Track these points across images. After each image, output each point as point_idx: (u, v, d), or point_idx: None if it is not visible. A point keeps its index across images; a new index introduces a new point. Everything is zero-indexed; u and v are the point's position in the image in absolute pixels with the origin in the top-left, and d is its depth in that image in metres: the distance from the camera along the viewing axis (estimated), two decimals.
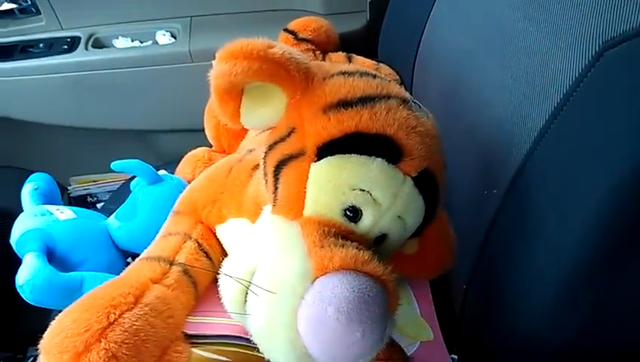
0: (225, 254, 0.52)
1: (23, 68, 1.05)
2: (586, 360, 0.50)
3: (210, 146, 0.85)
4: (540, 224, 0.45)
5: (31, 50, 1.07)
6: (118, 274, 0.46)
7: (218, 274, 0.43)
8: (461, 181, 0.57)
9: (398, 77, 0.88)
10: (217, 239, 0.53)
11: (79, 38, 1.08)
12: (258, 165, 0.48)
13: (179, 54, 1.04)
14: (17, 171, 1.19)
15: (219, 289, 0.42)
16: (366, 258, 0.36)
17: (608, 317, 0.46)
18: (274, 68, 0.39)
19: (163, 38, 1.08)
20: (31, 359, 0.64)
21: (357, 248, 0.37)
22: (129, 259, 0.66)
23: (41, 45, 1.07)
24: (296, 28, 0.90)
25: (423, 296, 0.57)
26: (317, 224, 0.39)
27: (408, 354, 0.50)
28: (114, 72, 1.05)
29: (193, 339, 0.44)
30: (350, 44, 0.98)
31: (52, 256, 0.58)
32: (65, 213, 0.64)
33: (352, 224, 0.40)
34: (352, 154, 0.38)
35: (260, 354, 0.39)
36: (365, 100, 0.40)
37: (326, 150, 0.39)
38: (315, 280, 0.35)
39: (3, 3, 1.09)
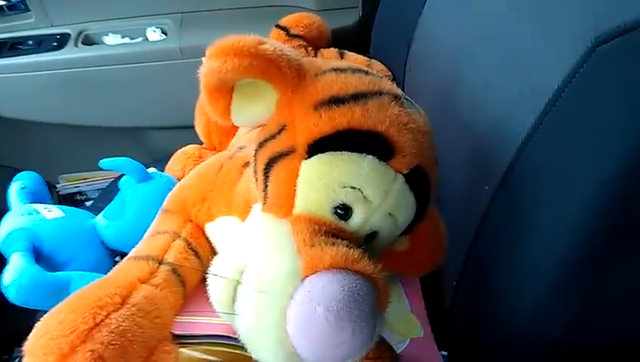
0: (214, 253, 0.52)
1: (12, 65, 1.03)
2: (575, 355, 0.50)
3: (201, 143, 0.84)
4: (530, 220, 0.45)
5: (20, 47, 1.05)
6: (106, 274, 0.46)
7: (207, 273, 0.42)
8: (452, 177, 0.57)
9: (390, 73, 0.88)
10: (207, 238, 0.53)
11: (69, 34, 1.07)
12: (249, 163, 0.47)
13: (169, 51, 1.04)
14: (6, 170, 1.18)
15: (207, 288, 0.42)
16: (356, 256, 0.35)
17: (597, 314, 0.46)
18: (265, 65, 0.39)
19: (153, 34, 1.08)
20: (17, 360, 0.63)
21: (347, 246, 0.36)
22: (117, 258, 0.66)
23: (30, 42, 1.06)
24: (289, 24, 0.90)
25: (413, 293, 0.56)
26: (307, 222, 0.39)
27: (398, 351, 0.50)
28: (104, 69, 1.04)
29: (181, 339, 0.44)
30: (342, 40, 0.97)
31: (39, 256, 0.57)
32: (53, 211, 0.63)
33: (343, 222, 0.40)
34: (344, 152, 0.38)
35: (248, 354, 0.38)
36: (357, 97, 0.39)
37: (317, 147, 0.39)
38: (304, 279, 0.34)
39: None
